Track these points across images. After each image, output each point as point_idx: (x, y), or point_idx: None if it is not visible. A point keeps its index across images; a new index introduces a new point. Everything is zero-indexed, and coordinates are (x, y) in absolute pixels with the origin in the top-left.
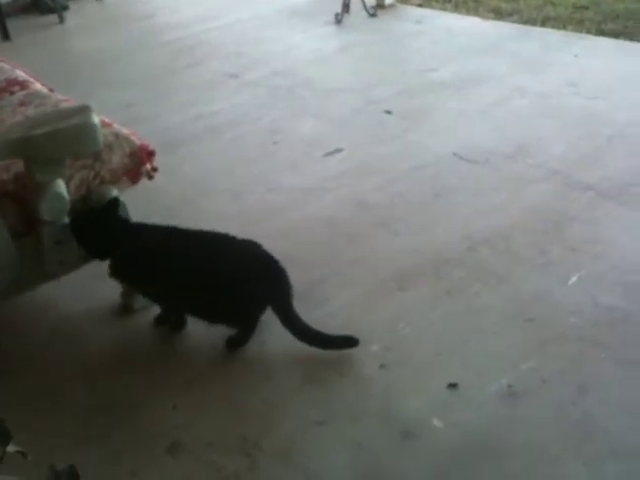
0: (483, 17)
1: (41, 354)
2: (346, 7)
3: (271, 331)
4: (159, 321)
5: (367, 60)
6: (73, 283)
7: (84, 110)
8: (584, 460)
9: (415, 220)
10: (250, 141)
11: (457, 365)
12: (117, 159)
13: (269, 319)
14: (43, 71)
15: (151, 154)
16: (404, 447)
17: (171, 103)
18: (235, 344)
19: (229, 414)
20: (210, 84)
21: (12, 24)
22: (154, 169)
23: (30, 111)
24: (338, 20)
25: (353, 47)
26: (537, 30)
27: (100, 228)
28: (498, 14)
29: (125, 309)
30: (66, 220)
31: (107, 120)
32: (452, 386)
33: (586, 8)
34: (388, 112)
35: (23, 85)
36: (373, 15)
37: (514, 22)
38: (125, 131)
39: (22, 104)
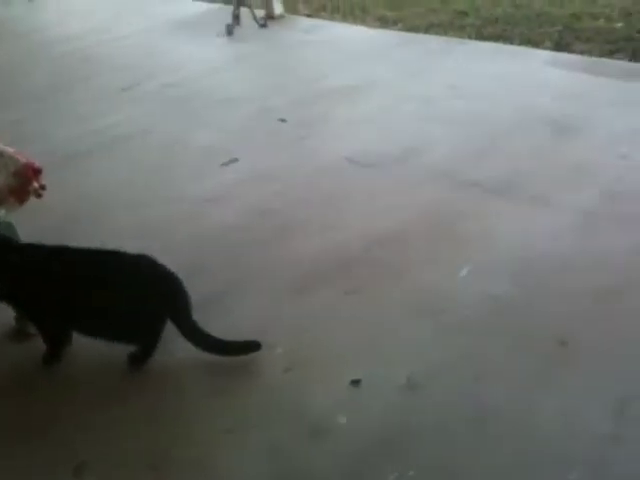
0: (370, 26)
1: None
2: (236, 19)
3: (178, 342)
4: (48, 359)
5: (259, 70)
6: None
7: None
8: (481, 445)
9: (314, 224)
10: (146, 154)
11: (359, 362)
12: (1, 179)
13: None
14: None
15: (37, 172)
16: (314, 446)
17: (63, 118)
18: (137, 361)
19: (137, 429)
20: (103, 98)
21: None
22: (42, 187)
23: None
24: (229, 31)
25: (245, 58)
26: (421, 37)
27: None
28: (384, 22)
29: (20, 334)
30: None
31: None
32: (355, 382)
33: (466, 14)
34: (283, 120)
35: None
36: (263, 26)
37: (399, 30)
38: (9, 150)
39: None
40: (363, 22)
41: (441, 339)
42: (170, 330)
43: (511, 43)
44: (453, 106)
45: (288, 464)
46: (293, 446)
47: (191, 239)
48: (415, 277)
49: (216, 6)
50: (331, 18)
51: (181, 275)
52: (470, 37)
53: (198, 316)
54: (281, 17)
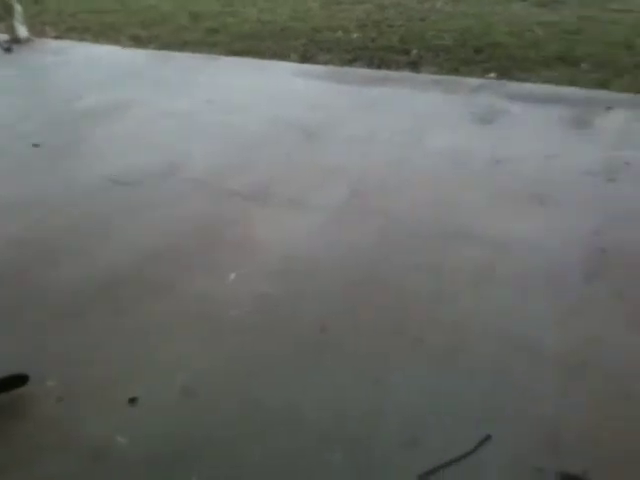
0: (124, 45)
1: None
2: None
3: None
4: None
5: (7, 95)
6: None
7: None
8: (260, 439)
9: (76, 249)
10: None
11: (135, 380)
12: None
13: None
14: None
15: None
16: (97, 470)
17: None
18: None
19: None
20: None
21: None
22: None
23: None
24: None
25: None
26: (176, 54)
27: None
28: (138, 41)
29: None
30: None
31: None
32: (132, 401)
33: (217, 31)
34: (36, 145)
35: None
36: (9, 50)
37: (154, 48)
38: None
39: None
40: (117, 41)
41: (214, 343)
42: None
43: (261, 57)
44: (211, 120)
45: None
46: (74, 473)
47: None
48: (186, 287)
49: None
50: (82, 39)
51: None
52: (222, 53)
53: None
54: (28, 40)
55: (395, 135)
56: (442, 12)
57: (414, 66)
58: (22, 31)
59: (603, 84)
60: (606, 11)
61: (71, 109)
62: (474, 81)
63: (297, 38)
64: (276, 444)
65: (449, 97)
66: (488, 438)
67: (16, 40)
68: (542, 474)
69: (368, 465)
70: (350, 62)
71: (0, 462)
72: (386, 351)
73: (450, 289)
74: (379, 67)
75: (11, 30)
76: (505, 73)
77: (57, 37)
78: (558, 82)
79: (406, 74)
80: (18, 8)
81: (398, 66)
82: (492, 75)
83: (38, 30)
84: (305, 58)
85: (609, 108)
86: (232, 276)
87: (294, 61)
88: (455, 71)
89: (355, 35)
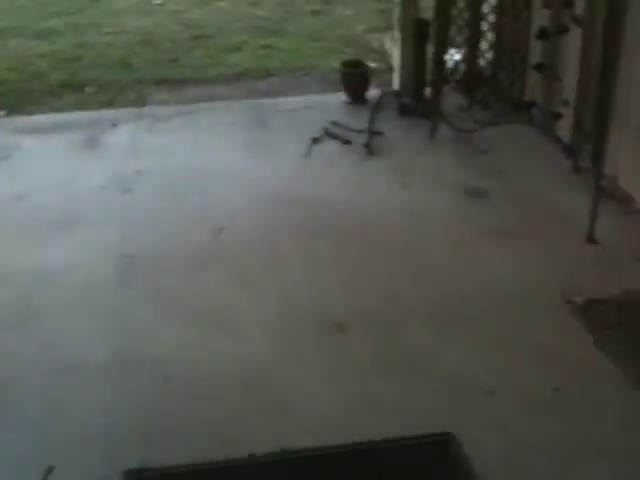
0: None
1: None
2: None
3: None
4: None
5: None
6: None
7: None
8: None
9: None
10: None
11: None
12: None
13: None
14: None
15: None
16: None
17: None
18: None
19: None
20: None
21: None
22: None
23: None
24: None
25: None
26: None
27: None
28: None
29: None
30: None
31: None
32: None
33: None
34: None
35: None
36: None
37: None
38: None
39: None
40: None
41: None
42: None
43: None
44: None
45: None
46: None
47: None
48: None
49: None
50: None
51: None
52: None
53: None
54: None
55: None
56: None
57: None
58: None
59: (109, 103)
60: (101, 35)
61: None
62: None
63: None
64: None
65: None
66: (52, 469)
67: None
68: None
69: None
70: None
71: None
72: None
73: None
74: None
75: None
76: (14, 109)
77: None
78: (67, 109)
79: None
80: None
81: None
82: (2, 113)
83: None
84: None
85: (115, 125)
86: None
87: None
88: None
89: None
